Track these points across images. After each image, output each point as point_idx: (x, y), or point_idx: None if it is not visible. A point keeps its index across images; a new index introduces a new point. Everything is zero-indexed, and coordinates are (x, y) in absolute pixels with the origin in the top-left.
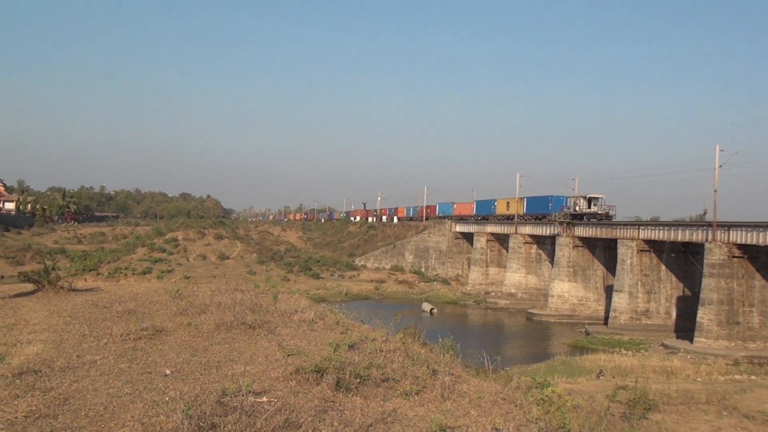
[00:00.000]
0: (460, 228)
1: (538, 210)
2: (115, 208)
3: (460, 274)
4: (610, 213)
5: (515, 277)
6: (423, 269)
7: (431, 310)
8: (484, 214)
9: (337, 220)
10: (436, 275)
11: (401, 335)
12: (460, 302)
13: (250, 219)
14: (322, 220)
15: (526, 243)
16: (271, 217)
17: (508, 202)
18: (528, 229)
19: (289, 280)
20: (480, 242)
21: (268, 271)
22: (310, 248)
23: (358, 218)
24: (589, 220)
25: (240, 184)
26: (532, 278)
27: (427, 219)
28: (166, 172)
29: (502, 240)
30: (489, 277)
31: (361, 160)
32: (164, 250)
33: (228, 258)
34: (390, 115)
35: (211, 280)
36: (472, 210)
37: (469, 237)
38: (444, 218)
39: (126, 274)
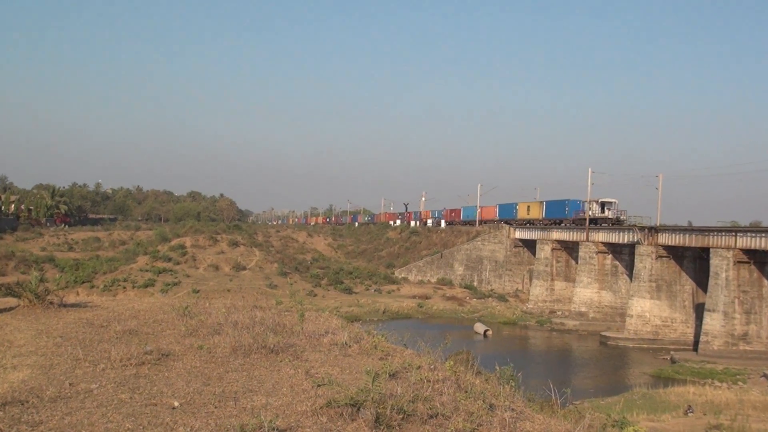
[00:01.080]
0: (520, 234)
1: (556, 214)
2: (112, 209)
3: (519, 290)
4: (621, 218)
5: (586, 292)
6: (475, 283)
7: (485, 332)
8: (506, 218)
9: (373, 224)
10: (491, 290)
11: (451, 362)
12: (519, 323)
13: (270, 223)
14: (356, 224)
15: (600, 252)
16: (295, 220)
17: (528, 206)
18: (601, 236)
19: (316, 295)
20: (544, 251)
21: (292, 285)
22: (341, 257)
23: (398, 222)
24: (600, 226)
25: (259, 182)
26: (606, 294)
27: (481, 223)
28: (173, 167)
29: (570, 249)
30: (554, 292)
31: (400, 155)
32: (170, 259)
33: (244, 269)
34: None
35: (225, 294)
36: (495, 214)
37: (531, 245)
38: (499, 222)
39: (125, 287)
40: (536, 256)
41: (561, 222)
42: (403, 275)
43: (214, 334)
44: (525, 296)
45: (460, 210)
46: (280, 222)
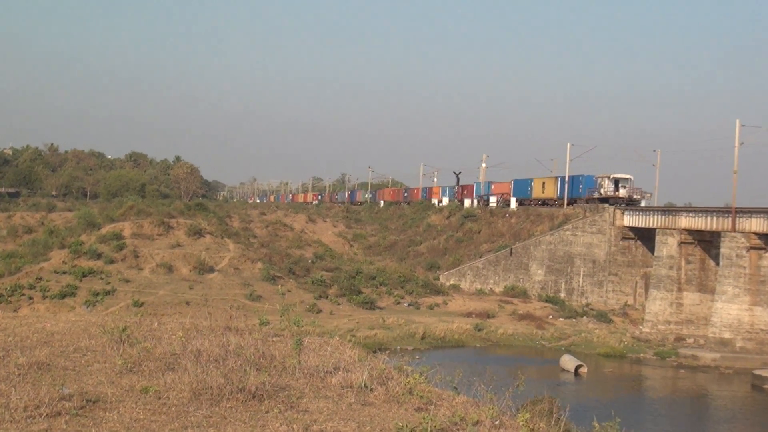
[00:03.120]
0: (630, 220)
1: (570, 192)
2: (12, 179)
3: (629, 304)
4: (635, 197)
5: (732, 309)
6: (562, 294)
7: (577, 368)
8: (521, 197)
9: (407, 203)
10: (587, 305)
11: (526, 415)
12: (629, 355)
13: (250, 200)
14: (381, 203)
15: (754, 248)
16: (288, 197)
17: (543, 182)
18: (756, 225)
19: (320, 311)
20: (667, 246)
21: (285, 295)
22: (357, 253)
23: (445, 201)
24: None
25: (235, 141)
26: (762, 313)
27: (571, 204)
28: (103, 118)
29: (707, 243)
30: (683, 309)
31: (444, 100)
32: (99, 256)
33: (212, 271)
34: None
35: (183, 309)
36: (509, 190)
37: (646, 237)
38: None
39: (31, 298)
40: (655, 254)
41: (575, 201)
42: (452, 281)
43: (165, 371)
44: (638, 314)
45: (472, 186)
46: (265, 199)
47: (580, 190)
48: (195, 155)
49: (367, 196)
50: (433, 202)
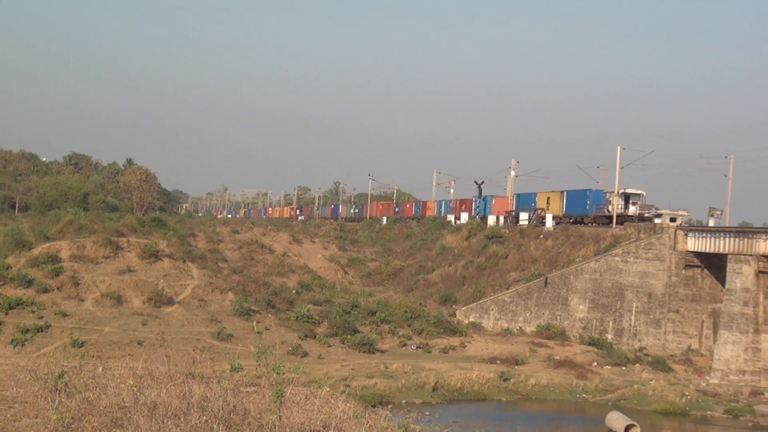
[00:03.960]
0: (695, 243)
1: (576, 209)
2: None
3: (693, 348)
4: (647, 215)
5: None
6: (609, 335)
7: (628, 428)
8: (455, 215)
9: (417, 220)
10: (640, 349)
11: None
12: (693, 411)
13: (220, 214)
14: (384, 220)
15: None
16: (274, 213)
17: (548, 197)
18: None
19: (306, 354)
20: (742, 276)
21: (262, 334)
22: (354, 282)
23: (464, 219)
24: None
25: (201, 143)
26: None
27: (622, 222)
28: (36, 111)
29: None
30: (761, 355)
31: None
32: (30, 282)
33: (172, 303)
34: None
35: (135, 350)
36: (511, 206)
37: (715, 264)
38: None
39: None
40: (726, 286)
41: (581, 220)
42: (471, 318)
43: (112, 428)
44: (704, 362)
45: (471, 201)
46: (234, 214)
47: (588, 207)
48: (151, 158)
49: (352, 210)
50: (449, 219)
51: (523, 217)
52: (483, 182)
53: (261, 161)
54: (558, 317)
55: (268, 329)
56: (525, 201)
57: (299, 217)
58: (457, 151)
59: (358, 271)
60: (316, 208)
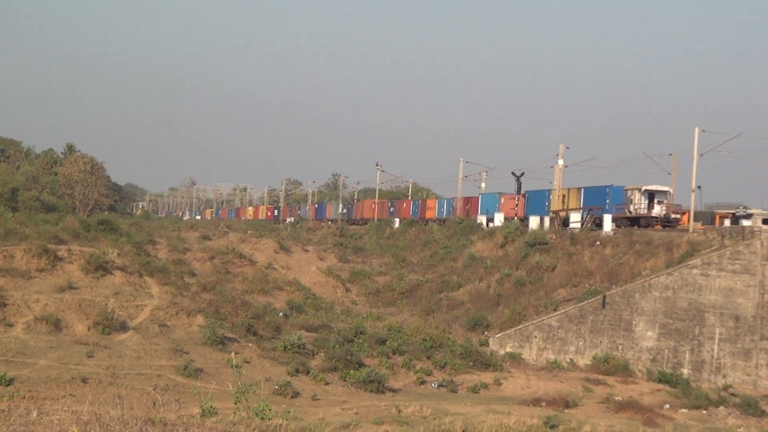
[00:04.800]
0: None
1: (536, 208)
2: None
3: None
4: (673, 217)
5: None
6: (686, 369)
7: None
8: (536, 214)
9: (440, 222)
10: (725, 387)
11: None
12: None
13: (186, 216)
14: (395, 223)
15: None
16: (248, 213)
17: (563, 195)
18: None
19: (298, 393)
20: None
21: (241, 368)
22: (358, 301)
23: (497, 220)
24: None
25: (163, 127)
26: None
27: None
28: None
29: None
30: None
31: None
32: None
33: (126, 328)
34: None
35: (78, 389)
36: (522, 205)
37: None
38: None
39: None
40: None
41: (600, 221)
42: (509, 348)
43: None
44: None
45: (477, 199)
46: (198, 215)
47: (607, 205)
48: (98, 146)
49: (340, 211)
50: (479, 221)
51: (575, 218)
52: (523, 174)
53: (240, 150)
54: (619, 346)
55: (249, 362)
56: (537, 199)
57: (289, 219)
58: (489, 139)
59: (363, 287)
60: (297, 206)
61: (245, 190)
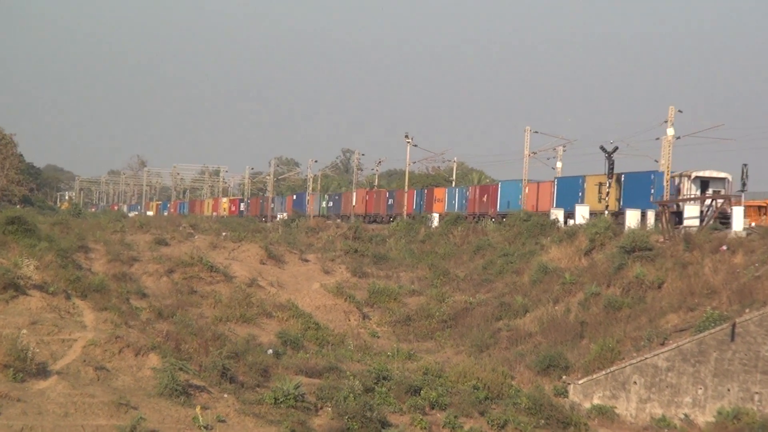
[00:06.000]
0: None
1: (637, 200)
2: None
3: None
4: (729, 210)
5: None
6: None
7: None
8: (564, 207)
9: (499, 220)
10: None
11: None
12: None
13: (136, 211)
14: (431, 221)
15: None
16: (205, 207)
17: (600, 183)
18: None
19: None
20: None
21: (214, 429)
22: (380, 333)
23: (581, 216)
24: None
25: (101, 89)
26: None
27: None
28: None
29: None
30: None
31: None
32: None
33: (46, 373)
34: None
35: None
36: (551, 194)
37: None
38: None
39: None
40: None
41: (643, 213)
42: (597, 399)
43: None
44: None
45: (496, 188)
46: (139, 209)
47: (652, 194)
48: (7, 113)
49: (324, 204)
50: (553, 217)
51: (690, 212)
52: (617, 149)
53: (212, 119)
54: (755, 396)
55: (224, 421)
56: (568, 187)
57: (280, 215)
58: (567, 101)
59: (387, 312)
60: (271, 197)
61: (217, 173)
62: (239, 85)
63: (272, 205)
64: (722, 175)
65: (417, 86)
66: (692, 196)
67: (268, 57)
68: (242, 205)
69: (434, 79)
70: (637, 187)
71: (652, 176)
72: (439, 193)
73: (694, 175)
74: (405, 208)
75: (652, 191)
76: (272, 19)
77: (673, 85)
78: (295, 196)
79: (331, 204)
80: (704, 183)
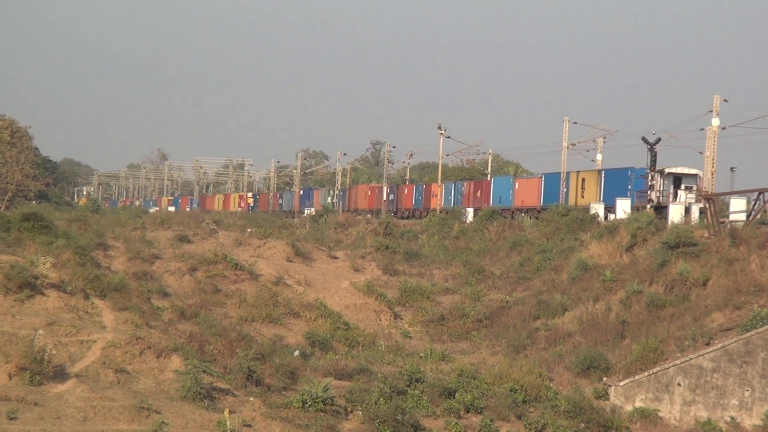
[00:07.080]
0: None
1: (614, 193)
2: None
3: None
4: (704, 207)
5: None
6: None
7: None
8: (551, 203)
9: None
10: None
11: None
12: None
13: (150, 205)
14: (469, 215)
15: None
16: (216, 203)
17: (583, 178)
18: None
19: None
20: None
21: None
22: (412, 333)
23: (621, 211)
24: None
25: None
26: None
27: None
28: None
29: None
30: None
31: None
32: None
33: (64, 375)
34: None
35: None
36: (538, 191)
37: None
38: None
39: None
40: None
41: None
42: (640, 401)
43: None
44: None
45: (489, 183)
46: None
47: (629, 190)
48: (22, 106)
49: (330, 200)
50: (593, 211)
51: (737, 205)
52: (659, 140)
53: (237, 111)
54: None
55: (250, 425)
56: (553, 183)
57: (307, 210)
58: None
59: (420, 312)
60: (277, 193)
61: (242, 167)
62: (265, 77)
63: (280, 201)
64: (693, 171)
65: (451, 76)
66: (737, 190)
67: (297, 47)
68: (252, 200)
69: (469, 70)
70: (616, 183)
71: (629, 172)
72: (437, 188)
73: (666, 171)
74: (407, 202)
75: (629, 186)
76: (302, 9)
77: (719, 75)
78: (302, 191)
79: (336, 200)
80: (677, 179)
